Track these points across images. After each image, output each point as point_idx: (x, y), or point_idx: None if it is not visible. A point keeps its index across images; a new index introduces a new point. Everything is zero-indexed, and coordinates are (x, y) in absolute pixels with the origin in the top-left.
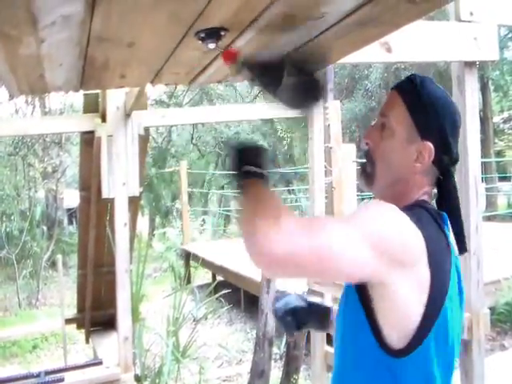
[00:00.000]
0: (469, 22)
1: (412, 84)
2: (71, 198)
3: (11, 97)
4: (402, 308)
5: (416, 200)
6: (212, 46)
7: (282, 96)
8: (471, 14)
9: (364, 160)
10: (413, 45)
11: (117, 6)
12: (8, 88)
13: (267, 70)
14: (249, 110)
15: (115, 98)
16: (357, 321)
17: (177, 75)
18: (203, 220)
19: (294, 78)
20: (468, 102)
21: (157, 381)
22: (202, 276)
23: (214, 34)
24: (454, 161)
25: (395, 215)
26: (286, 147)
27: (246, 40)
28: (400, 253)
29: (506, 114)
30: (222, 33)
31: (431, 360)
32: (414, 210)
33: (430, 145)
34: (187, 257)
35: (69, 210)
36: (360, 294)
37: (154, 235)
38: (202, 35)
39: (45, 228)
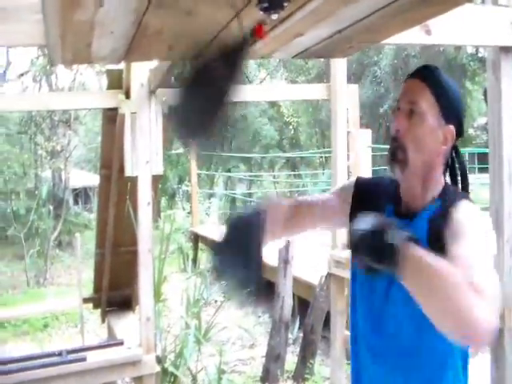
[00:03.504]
0: (506, 6)
1: (433, 73)
2: (77, 178)
3: (52, 64)
4: None
5: (442, 182)
6: (275, 16)
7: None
8: None
9: (388, 146)
10: (451, 28)
11: None
12: (51, 54)
13: None
14: (255, 92)
15: (139, 75)
16: None
17: None
18: (210, 202)
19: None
20: (504, 87)
21: (178, 363)
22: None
23: (277, 4)
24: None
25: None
26: (292, 132)
27: (306, 12)
28: None
29: None
30: (285, 3)
31: None
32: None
33: (453, 128)
34: (196, 239)
35: (74, 190)
36: None
37: (160, 217)
38: (265, 5)
39: (51, 207)
